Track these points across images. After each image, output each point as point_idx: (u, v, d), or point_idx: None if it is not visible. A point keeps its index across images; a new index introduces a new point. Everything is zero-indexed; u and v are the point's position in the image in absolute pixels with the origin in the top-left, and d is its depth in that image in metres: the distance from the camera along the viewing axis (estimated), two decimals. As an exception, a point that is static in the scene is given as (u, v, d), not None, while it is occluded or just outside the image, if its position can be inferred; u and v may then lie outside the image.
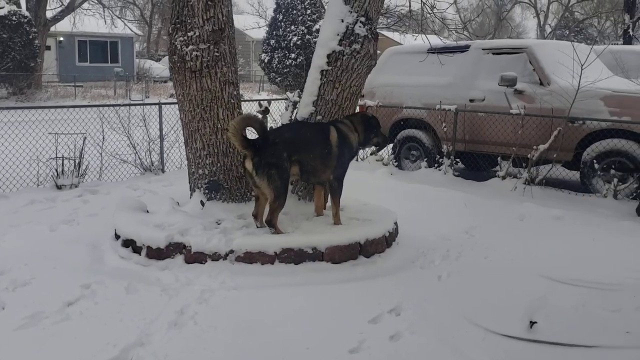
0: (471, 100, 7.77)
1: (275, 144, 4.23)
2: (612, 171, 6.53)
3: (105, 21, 27.24)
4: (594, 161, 6.63)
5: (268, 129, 4.64)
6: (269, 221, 4.27)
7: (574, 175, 7.17)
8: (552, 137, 6.71)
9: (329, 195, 4.64)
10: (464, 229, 5.30)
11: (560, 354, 3.13)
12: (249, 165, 4.21)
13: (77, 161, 7.03)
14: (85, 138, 7.27)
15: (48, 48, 27.58)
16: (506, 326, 3.37)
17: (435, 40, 8.38)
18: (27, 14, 21.41)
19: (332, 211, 4.57)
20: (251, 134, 4.26)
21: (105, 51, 33.66)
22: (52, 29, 25.27)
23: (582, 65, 6.53)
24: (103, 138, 7.55)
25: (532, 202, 6.13)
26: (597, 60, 7.17)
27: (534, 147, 6.79)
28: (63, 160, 6.91)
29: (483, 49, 7.91)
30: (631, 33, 17.74)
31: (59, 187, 6.74)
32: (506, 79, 7.17)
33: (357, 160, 8.37)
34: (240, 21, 29.17)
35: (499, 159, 7.40)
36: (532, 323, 3.38)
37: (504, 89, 7.29)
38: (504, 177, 7.13)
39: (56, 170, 6.84)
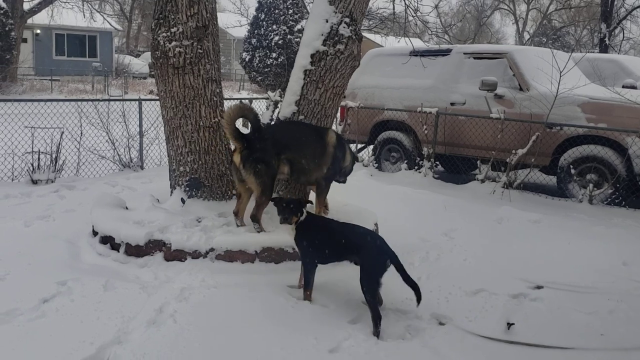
0: (452, 104, 7.84)
1: (265, 140, 4.22)
2: (588, 176, 6.65)
3: (84, 15, 26.80)
4: (571, 166, 6.75)
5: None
6: (254, 216, 4.25)
7: (551, 179, 7.28)
8: (531, 142, 6.81)
9: (315, 195, 4.64)
10: (443, 231, 5.35)
11: (536, 355, 3.18)
12: (236, 158, 4.20)
13: (53, 156, 6.91)
14: (62, 132, 7.16)
15: (24, 41, 27.07)
16: (484, 328, 3.41)
17: (417, 43, 8.43)
18: (3, 5, 20.95)
19: (315, 210, 4.57)
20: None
21: (83, 45, 33.14)
22: (29, 21, 24.79)
23: (560, 72, 6.64)
24: (81, 133, 7.44)
25: (510, 206, 6.21)
26: (575, 67, 7.30)
27: (513, 151, 6.89)
28: (39, 154, 6.79)
29: (464, 54, 7.99)
30: (607, 42, 18.12)
31: (34, 182, 6.62)
32: (487, 83, 7.26)
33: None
34: (221, 19, 28.84)
35: (478, 162, 7.48)
36: (509, 325, 3.42)
37: (484, 94, 7.38)
38: (483, 181, 7.22)
39: (32, 164, 6.72)
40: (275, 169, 4.26)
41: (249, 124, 4.39)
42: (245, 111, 4.26)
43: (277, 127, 4.67)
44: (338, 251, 3.62)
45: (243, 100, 8.55)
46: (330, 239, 3.62)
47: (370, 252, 3.47)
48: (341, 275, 4.04)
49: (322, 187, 4.56)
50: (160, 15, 4.60)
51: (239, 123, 4.32)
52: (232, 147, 4.31)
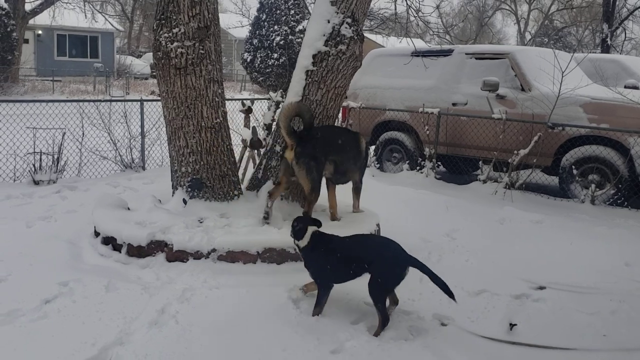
0: (454, 104, 7.84)
1: (317, 138, 4.38)
2: (590, 177, 6.64)
3: (85, 15, 26.85)
4: (573, 167, 6.74)
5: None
6: (305, 213, 4.39)
7: (553, 180, 7.26)
8: (533, 142, 6.80)
9: (353, 192, 4.97)
10: (445, 231, 5.34)
11: (539, 356, 3.17)
12: (289, 155, 4.34)
13: (55, 156, 6.91)
14: (64, 133, 7.16)
15: (26, 41, 27.11)
16: (486, 328, 3.41)
17: (419, 44, 8.43)
18: (5, 5, 20.98)
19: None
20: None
21: (85, 46, 33.21)
22: (31, 22, 24.81)
23: (562, 73, 6.63)
24: (83, 134, 7.44)
25: (512, 206, 6.20)
26: (577, 67, 7.28)
27: (515, 151, 6.88)
28: (41, 155, 6.79)
29: (466, 54, 7.99)
30: (609, 42, 18.09)
31: (36, 183, 6.62)
32: (488, 83, 7.25)
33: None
34: (223, 20, 28.91)
35: (480, 162, 7.47)
36: (511, 325, 3.42)
37: (486, 94, 7.37)
38: (485, 181, 7.21)
39: (33, 165, 6.72)
40: (324, 167, 4.43)
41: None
42: (302, 110, 4.40)
43: (323, 129, 4.75)
44: (350, 269, 3.41)
45: (244, 101, 8.54)
46: (339, 258, 3.44)
47: (384, 265, 3.34)
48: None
49: (359, 187, 4.91)
50: (162, 16, 4.60)
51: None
52: (284, 144, 4.46)
